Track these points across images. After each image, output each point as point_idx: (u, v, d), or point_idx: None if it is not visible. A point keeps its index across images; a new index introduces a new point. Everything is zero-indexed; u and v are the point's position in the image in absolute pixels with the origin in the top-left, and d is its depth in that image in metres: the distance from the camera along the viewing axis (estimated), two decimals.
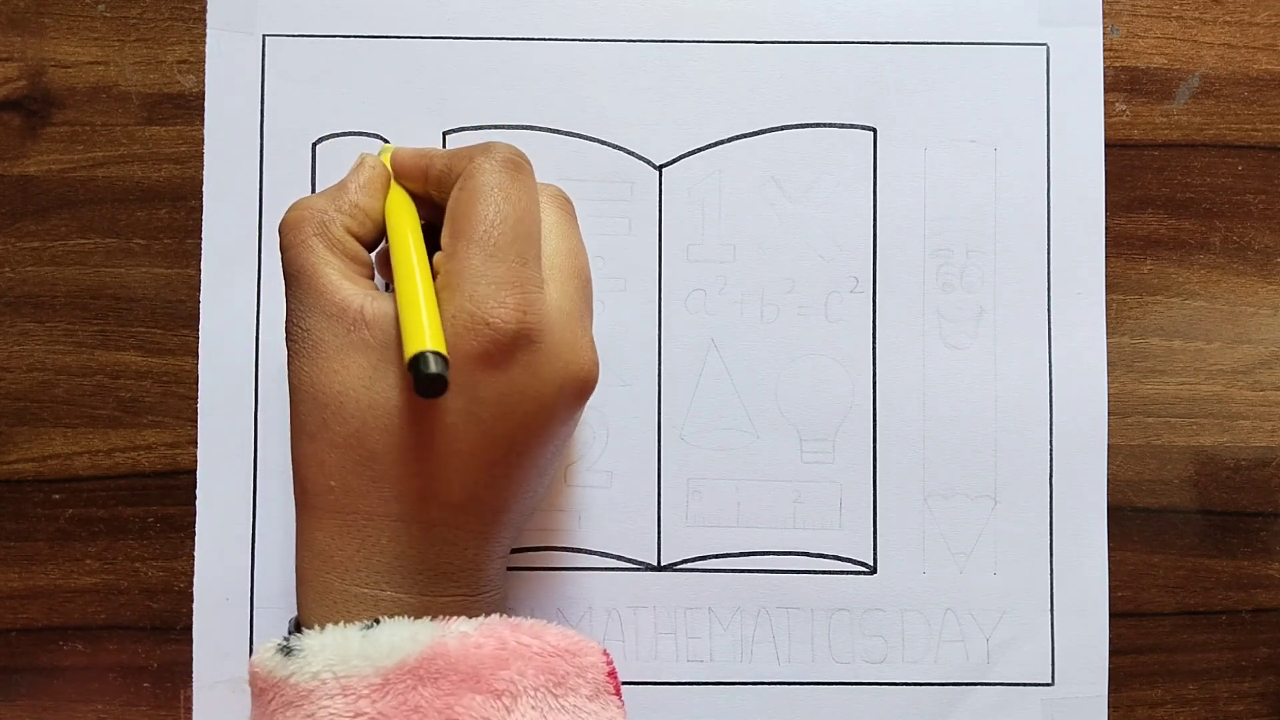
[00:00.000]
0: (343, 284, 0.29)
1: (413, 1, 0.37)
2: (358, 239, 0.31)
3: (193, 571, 0.36)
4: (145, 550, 0.37)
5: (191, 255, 0.37)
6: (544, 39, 0.37)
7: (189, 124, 0.37)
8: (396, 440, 0.28)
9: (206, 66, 0.37)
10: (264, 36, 0.37)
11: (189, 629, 0.36)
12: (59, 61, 0.37)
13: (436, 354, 0.27)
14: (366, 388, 0.29)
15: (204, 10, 0.37)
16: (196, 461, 0.36)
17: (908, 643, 0.37)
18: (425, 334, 0.27)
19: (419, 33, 0.37)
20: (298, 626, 0.30)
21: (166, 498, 0.37)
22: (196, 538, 0.36)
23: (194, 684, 0.36)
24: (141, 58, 0.37)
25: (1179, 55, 0.38)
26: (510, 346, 0.28)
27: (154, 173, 0.37)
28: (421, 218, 0.32)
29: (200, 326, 0.37)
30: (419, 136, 0.37)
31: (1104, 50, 0.37)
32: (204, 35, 0.37)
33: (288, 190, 0.37)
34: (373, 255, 0.32)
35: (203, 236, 0.37)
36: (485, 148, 0.30)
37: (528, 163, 0.31)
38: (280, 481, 0.36)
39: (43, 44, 0.37)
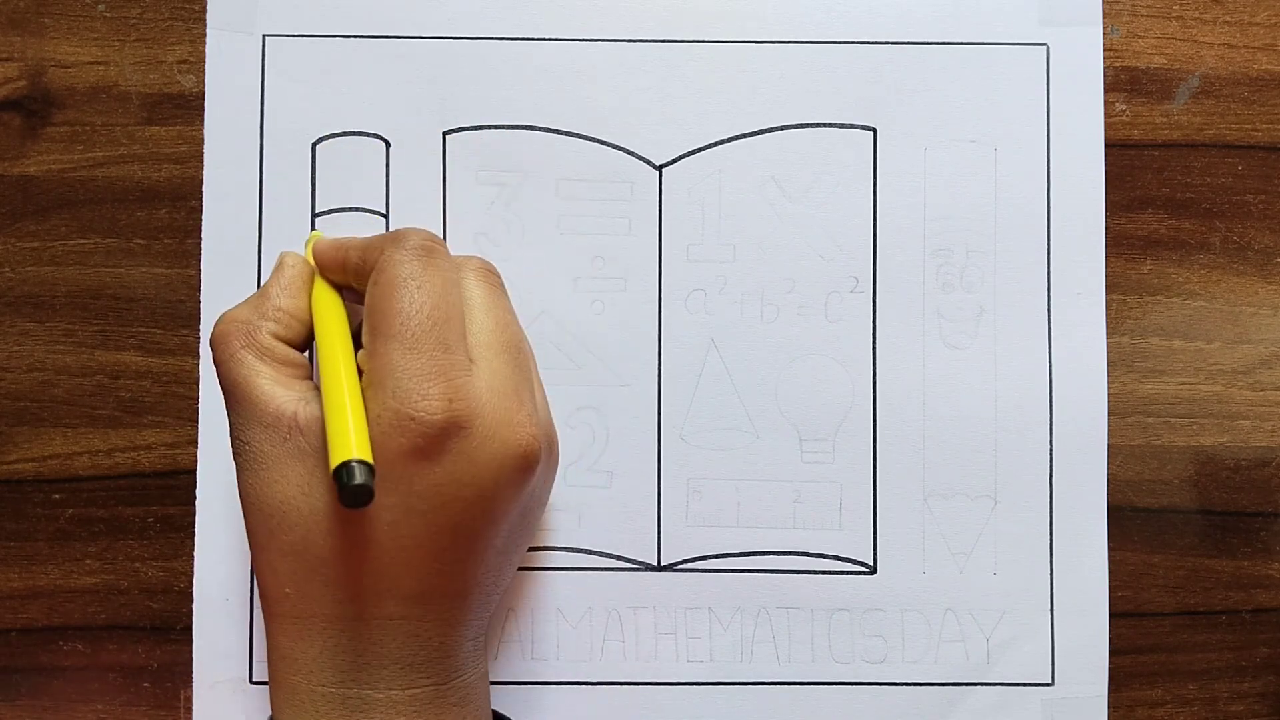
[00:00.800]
0: (275, 392, 0.29)
1: (413, 1, 0.37)
2: (287, 342, 0.31)
3: (193, 571, 0.36)
4: (145, 550, 0.37)
5: (191, 255, 0.37)
6: (544, 39, 0.37)
7: (189, 124, 0.37)
8: (340, 543, 0.28)
9: (206, 66, 0.37)
10: (264, 36, 0.37)
11: (189, 629, 0.36)
12: (59, 61, 0.37)
13: (361, 463, 0.27)
14: (305, 495, 0.29)
15: (204, 10, 0.37)
16: (196, 461, 0.36)
17: (908, 643, 0.37)
18: (350, 442, 0.27)
19: (419, 33, 0.37)
20: None
21: (166, 498, 0.37)
22: (196, 538, 0.36)
23: (194, 684, 0.36)
24: (141, 58, 0.37)
25: (1179, 55, 0.38)
26: (440, 437, 0.28)
27: (154, 173, 0.37)
28: (356, 308, 0.32)
29: (200, 326, 0.37)
30: (419, 136, 0.37)
31: (1104, 50, 0.37)
32: (204, 35, 0.37)
33: (288, 190, 0.37)
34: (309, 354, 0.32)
35: (203, 236, 0.37)
36: (395, 237, 0.30)
37: (441, 245, 0.31)
38: None
39: (43, 44, 0.37)
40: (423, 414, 0.28)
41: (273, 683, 0.30)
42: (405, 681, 0.29)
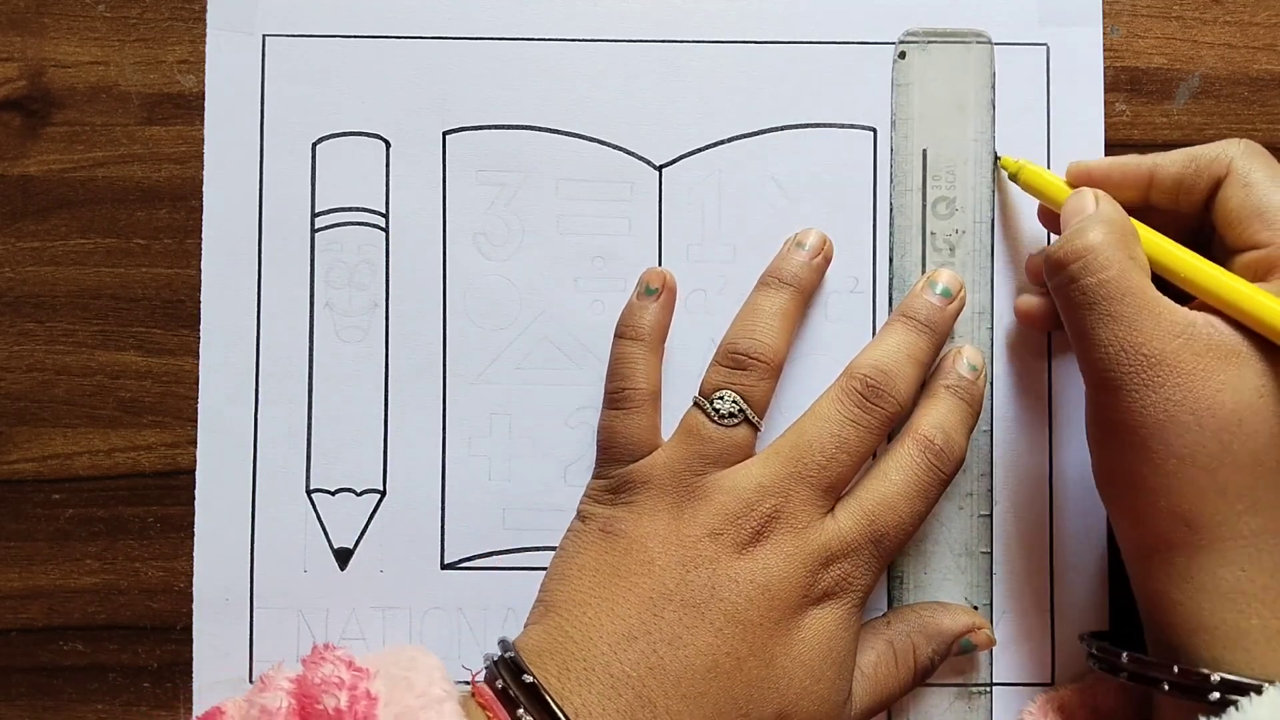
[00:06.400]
0: (1167, 302, 0.30)
1: (413, 1, 0.37)
2: None
3: (193, 571, 0.36)
4: (145, 550, 0.37)
5: (191, 255, 0.37)
6: (544, 39, 0.37)
7: (189, 124, 0.37)
8: None
9: (206, 66, 0.37)
10: (264, 36, 0.37)
11: (189, 629, 0.36)
12: (59, 61, 0.37)
13: None
14: (1263, 397, 0.28)
15: (204, 10, 0.37)
16: (196, 461, 0.36)
17: None
18: None
19: (419, 33, 0.37)
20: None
21: (166, 498, 0.37)
22: (196, 538, 0.36)
23: (194, 684, 0.36)
24: (141, 58, 0.37)
25: (1179, 55, 0.38)
26: None
27: (154, 173, 0.37)
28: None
29: (200, 326, 0.37)
30: (419, 136, 0.37)
31: (1104, 50, 0.37)
32: (204, 35, 0.37)
33: (288, 190, 0.37)
34: None
35: (203, 236, 0.37)
36: (1233, 144, 0.32)
37: None
38: (279, 481, 0.36)
39: (43, 44, 0.37)
40: None
41: (1203, 628, 0.29)
42: None
